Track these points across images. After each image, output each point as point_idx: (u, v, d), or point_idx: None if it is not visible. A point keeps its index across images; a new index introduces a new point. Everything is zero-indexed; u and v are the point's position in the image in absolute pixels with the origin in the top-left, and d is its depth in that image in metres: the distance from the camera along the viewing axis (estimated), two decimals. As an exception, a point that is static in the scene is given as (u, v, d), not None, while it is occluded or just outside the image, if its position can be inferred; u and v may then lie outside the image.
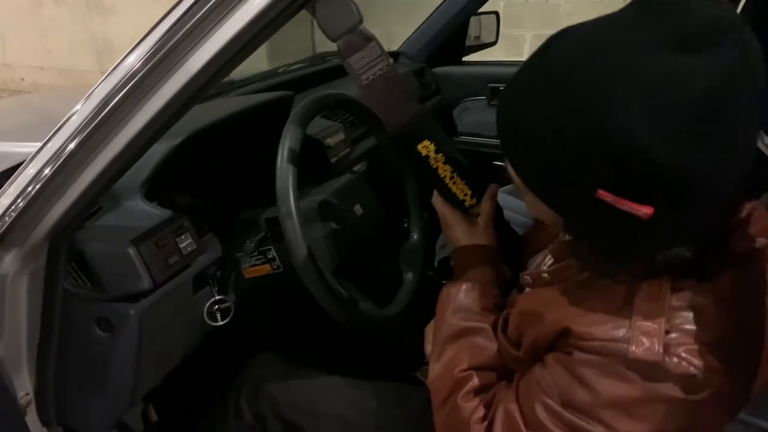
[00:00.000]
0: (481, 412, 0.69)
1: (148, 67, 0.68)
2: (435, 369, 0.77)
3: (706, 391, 0.55)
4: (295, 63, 1.86)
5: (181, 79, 0.70)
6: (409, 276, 1.16)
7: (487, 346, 0.75)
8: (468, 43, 2.18)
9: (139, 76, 0.68)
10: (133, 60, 0.69)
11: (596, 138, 0.49)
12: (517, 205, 1.76)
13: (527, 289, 0.74)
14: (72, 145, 0.72)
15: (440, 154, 0.81)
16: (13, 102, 2.56)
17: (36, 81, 5.47)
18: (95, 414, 0.97)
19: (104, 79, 0.71)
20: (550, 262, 0.72)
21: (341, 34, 0.72)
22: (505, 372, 0.74)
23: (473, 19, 2.13)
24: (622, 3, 0.53)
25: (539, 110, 0.53)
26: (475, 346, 0.75)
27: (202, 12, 0.67)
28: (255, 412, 1.01)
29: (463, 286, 0.81)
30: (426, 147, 0.80)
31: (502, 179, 2.11)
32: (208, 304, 1.04)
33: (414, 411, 0.91)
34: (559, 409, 0.60)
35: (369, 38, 0.73)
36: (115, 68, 0.70)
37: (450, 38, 2.08)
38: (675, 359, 0.55)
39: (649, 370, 0.55)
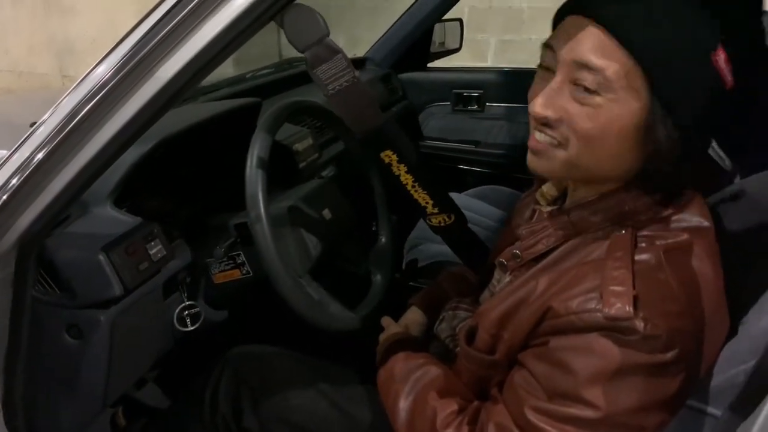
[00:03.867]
0: (466, 430, 0.72)
1: (118, 77, 0.69)
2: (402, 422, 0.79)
3: (672, 352, 0.59)
4: (263, 69, 1.87)
5: (151, 89, 0.71)
6: (378, 278, 1.19)
7: (440, 376, 0.79)
8: (433, 49, 2.22)
9: (109, 86, 0.69)
10: (104, 70, 0.70)
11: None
12: (482, 208, 1.81)
13: (492, 298, 0.78)
14: (40, 155, 0.72)
15: (402, 164, 0.84)
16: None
17: (-8, 83, 5.30)
18: (65, 421, 0.97)
19: (73, 88, 0.72)
20: (520, 243, 0.76)
21: (308, 46, 0.75)
22: (471, 390, 0.77)
23: (438, 26, 2.17)
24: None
25: None
26: (429, 381, 0.79)
27: (172, 24, 0.69)
28: (232, 408, 1.02)
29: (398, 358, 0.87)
30: (388, 156, 0.83)
31: (467, 182, 2.16)
32: (177, 310, 1.05)
33: (381, 410, 0.94)
34: (547, 405, 0.63)
35: (335, 51, 0.76)
36: (84, 78, 0.71)
37: (415, 44, 2.13)
38: (643, 322, 0.59)
39: (619, 337, 0.59)
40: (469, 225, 1.69)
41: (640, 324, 0.59)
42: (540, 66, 0.67)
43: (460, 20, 2.24)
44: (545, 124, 0.66)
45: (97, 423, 1.17)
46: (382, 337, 1.00)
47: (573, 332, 0.62)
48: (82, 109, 0.70)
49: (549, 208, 0.77)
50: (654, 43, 0.59)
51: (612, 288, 0.61)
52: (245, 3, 0.69)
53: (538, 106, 0.64)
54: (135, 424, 1.24)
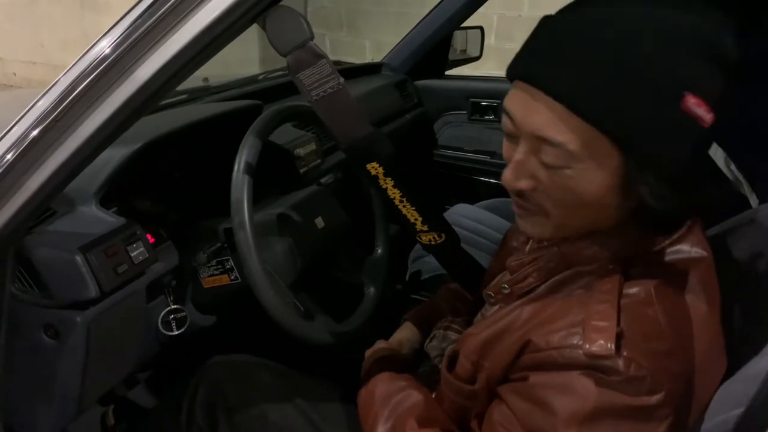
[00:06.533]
0: None
1: (92, 77, 0.68)
2: None
3: (658, 394, 0.55)
4: (275, 71, 1.85)
5: (127, 90, 0.69)
6: (370, 290, 1.15)
7: (420, 402, 0.76)
8: (452, 56, 2.18)
9: (83, 86, 0.68)
10: (79, 70, 0.68)
11: (689, 42, 0.52)
12: (493, 221, 1.76)
13: (480, 322, 0.74)
14: (13, 155, 0.71)
15: (389, 178, 0.81)
16: (3, 97, 2.55)
17: (28, 76, 5.44)
18: (41, 421, 0.96)
19: (48, 89, 0.71)
20: (509, 276, 0.72)
21: (291, 50, 0.72)
22: (452, 418, 0.74)
23: (458, 33, 2.13)
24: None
25: (615, 33, 0.53)
26: (409, 407, 0.77)
27: (150, 22, 0.67)
28: (208, 420, 1.00)
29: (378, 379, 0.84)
30: (375, 168, 0.80)
31: (480, 194, 2.12)
32: (162, 314, 1.03)
33: (363, 430, 0.90)
34: None
35: (319, 55, 0.73)
36: (58, 80, 0.70)
37: (433, 51, 2.09)
38: (627, 361, 0.55)
39: (601, 377, 0.55)
40: (478, 238, 1.66)
41: (622, 364, 0.55)
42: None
43: (481, 28, 2.19)
44: (520, 195, 0.62)
45: (86, 420, 1.17)
46: (368, 353, 0.97)
47: (553, 369, 0.59)
48: (56, 109, 0.69)
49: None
50: (614, 110, 0.53)
51: (594, 323, 0.57)
52: (226, 3, 0.67)
53: (508, 179, 0.61)
54: (121, 424, 1.22)
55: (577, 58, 0.53)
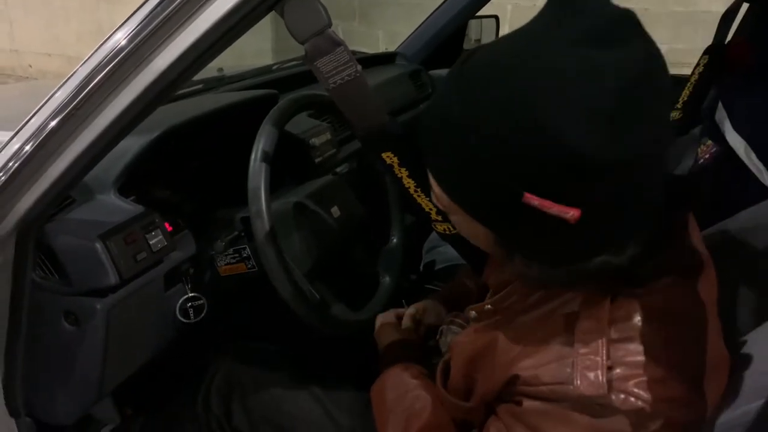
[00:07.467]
0: None
1: (110, 66, 0.68)
2: None
3: (657, 422, 0.54)
4: (290, 60, 1.85)
5: (145, 79, 0.69)
6: (386, 280, 1.16)
7: (427, 407, 0.77)
8: (467, 45, 2.16)
9: (102, 76, 0.68)
10: (98, 60, 0.69)
11: (520, 134, 0.48)
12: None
13: (469, 328, 0.73)
14: (28, 148, 0.72)
15: (403, 168, 0.81)
16: (20, 88, 2.58)
17: (43, 68, 5.49)
18: (62, 406, 0.98)
19: (67, 79, 0.71)
20: (492, 296, 0.71)
21: (308, 37, 0.72)
22: (456, 425, 0.74)
23: (473, 22, 2.11)
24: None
25: (462, 111, 0.51)
26: (416, 413, 0.77)
27: (167, 11, 0.67)
28: (224, 407, 1.01)
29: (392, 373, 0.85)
30: (390, 157, 0.80)
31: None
32: (180, 302, 1.04)
33: (373, 423, 0.91)
34: None
35: (337, 43, 0.72)
36: (77, 69, 0.70)
37: (448, 41, 2.07)
38: (621, 395, 0.54)
39: (597, 409, 0.55)
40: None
41: (617, 399, 0.54)
42: None
43: (496, 17, 2.17)
44: None
45: (103, 409, 1.18)
46: (382, 341, 0.96)
47: (547, 401, 0.58)
48: (75, 99, 0.70)
49: None
50: (456, 185, 0.56)
51: (584, 358, 0.55)
52: (244, -9, 0.67)
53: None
54: (140, 414, 1.24)
55: (435, 138, 0.56)
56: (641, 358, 0.55)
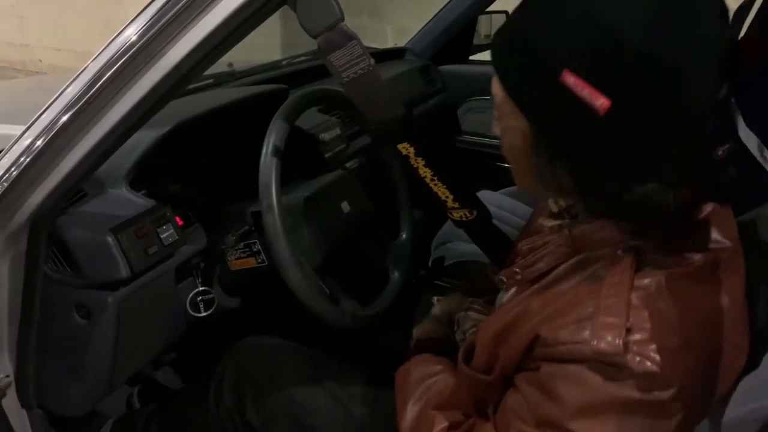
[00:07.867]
0: None
1: (123, 60, 0.68)
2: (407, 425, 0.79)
3: (669, 390, 0.54)
4: (300, 55, 1.85)
5: (157, 73, 0.70)
6: (395, 275, 1.16)
7: (448, 387, 0.77)
8: (477, 41, 2.15)
9: (115, 70, 0.68)
10: (110, 54, 0.69)
11: (567, 13, 0.53)
12: (516, 207, 1.75)
13: (500, 301, 0.73)
14: (39, 143, 0.72)
15: (419, 158, 0.81)
16: (30, 82, 2.59)
17: (53, 63, 5.52)
18: (73, 398, 0.98)
19: (79, 73, 0.71)
20: (521, 260, 0.72)
21: (321, 32, 0.72)
22: (474, 405, 0.75)
23: (483, 18, 2.10)
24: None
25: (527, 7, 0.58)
26: (436, 392, 0.78)
27: (180, 5, 0.67)
28: (236, 400, 1.02)
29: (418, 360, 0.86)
30: (406, 148, 0.80)
31: (503, 180, 2.10)
32: (191, 295, 1.05)
33: (389, 411, 0.91)
34: (534, 431, 0.60)
35: (350, 37, 0.72)
36: (90, 63, 0.70)
37: (458, 36, 2.06)
38: (637, 357, 0.54)
39: (611, 371, 0.55)
40: (501, 224, 1.64)
41: (632, 360, 0.54)
42: None
43: (506, 12, 2.16)
44: None
45: (112, 402, 1.19)
46: (416, 332, 0.98)
47: (563, 361, 0.58)
48: (86, 94, 0.70)
49: (551, 222, 0.72)
50: (506, 69, 0.60)
51: (603, 319, 0.56)
52: (257, -16, 0.67)
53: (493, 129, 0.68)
54: (148, 406, 1.25)
55: (504, 30, 0.62)
56: (660, 325, 0.55)
